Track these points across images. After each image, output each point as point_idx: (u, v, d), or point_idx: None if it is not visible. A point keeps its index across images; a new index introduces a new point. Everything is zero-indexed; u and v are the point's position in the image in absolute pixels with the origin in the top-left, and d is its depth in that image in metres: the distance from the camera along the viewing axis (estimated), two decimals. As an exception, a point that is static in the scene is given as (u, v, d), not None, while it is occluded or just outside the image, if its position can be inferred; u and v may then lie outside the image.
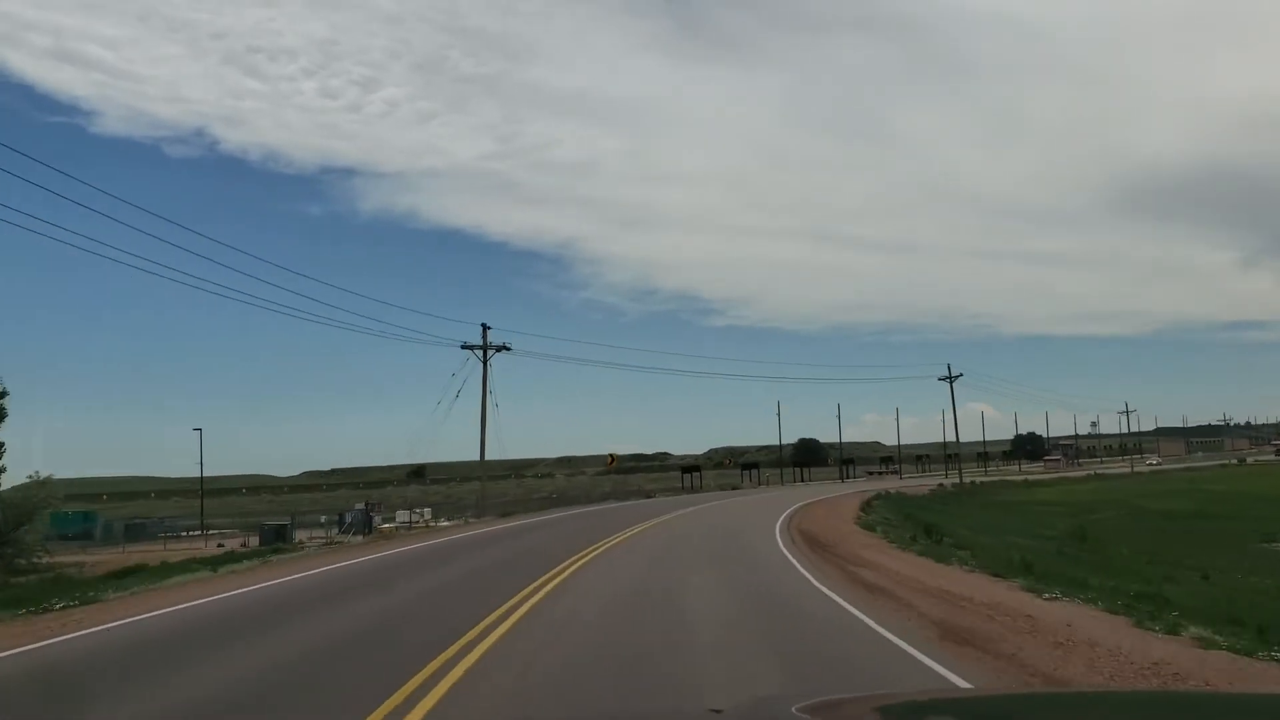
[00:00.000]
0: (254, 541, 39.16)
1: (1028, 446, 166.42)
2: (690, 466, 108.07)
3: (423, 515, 50.24)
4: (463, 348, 48.28)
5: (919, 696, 4.61)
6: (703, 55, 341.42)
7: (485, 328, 48.83)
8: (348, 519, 46.21)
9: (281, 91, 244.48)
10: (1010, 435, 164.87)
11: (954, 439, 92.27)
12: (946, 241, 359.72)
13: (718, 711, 3.02)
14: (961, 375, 76.99)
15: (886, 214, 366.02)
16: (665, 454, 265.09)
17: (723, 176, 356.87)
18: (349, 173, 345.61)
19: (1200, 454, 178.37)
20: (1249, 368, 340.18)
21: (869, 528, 29.47)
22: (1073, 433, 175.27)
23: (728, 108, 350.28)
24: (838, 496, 54.16)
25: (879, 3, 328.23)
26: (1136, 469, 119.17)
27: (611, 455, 57.88)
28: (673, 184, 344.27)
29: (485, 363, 48.32)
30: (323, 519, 47.21)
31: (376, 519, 48.23)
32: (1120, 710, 3.18)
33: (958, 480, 75.14)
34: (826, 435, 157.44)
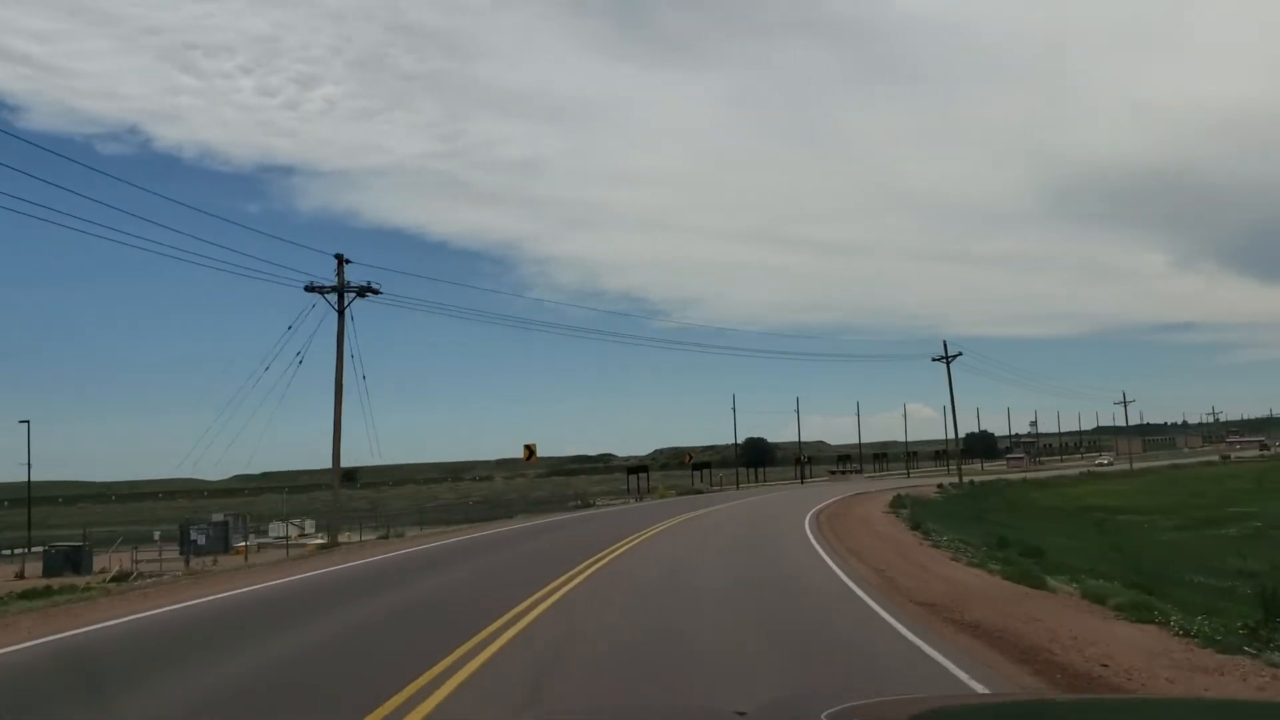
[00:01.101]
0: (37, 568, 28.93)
1: (980, 445, 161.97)
2: (637, 467, 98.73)
3: (301, 529, 40.06)
4: (307, 289, 32.64)
5: (946, 702, 4.54)
6: (650, 56, 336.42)
7: (341, 260, 32.74)
8: (194, 536, 36.00)
9: (218, 89, 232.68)
10: (946, 435, 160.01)
11: (952, 435, 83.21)
12: (889, 243, 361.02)
13: (742, 714, 2.99)
14: (960, 354, 66.15)
15: (831, 216, 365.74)
16: (609, 455, 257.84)
17: (671, 177, 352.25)
18: (288, 171, 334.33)
19: (1160, 451, 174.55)
20: (1182, 368, 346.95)
21: (942, 549, 21.44)
22: (1008, 432, 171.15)
23: (675, 108, 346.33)
24: (840, 501, 44.56)
25: (822, 6, 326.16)
26: (1095, 467, 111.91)
27: (529, 448, 44.33)
28: (620, 184, 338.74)
29: (341, 311, 32.70)
30: (156, 535, 36.67)
31: (241, 536, 38.06)
32: (1146, 717, 3.10)
33: (957, 480, 64.69)
34: (772, 435, 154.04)
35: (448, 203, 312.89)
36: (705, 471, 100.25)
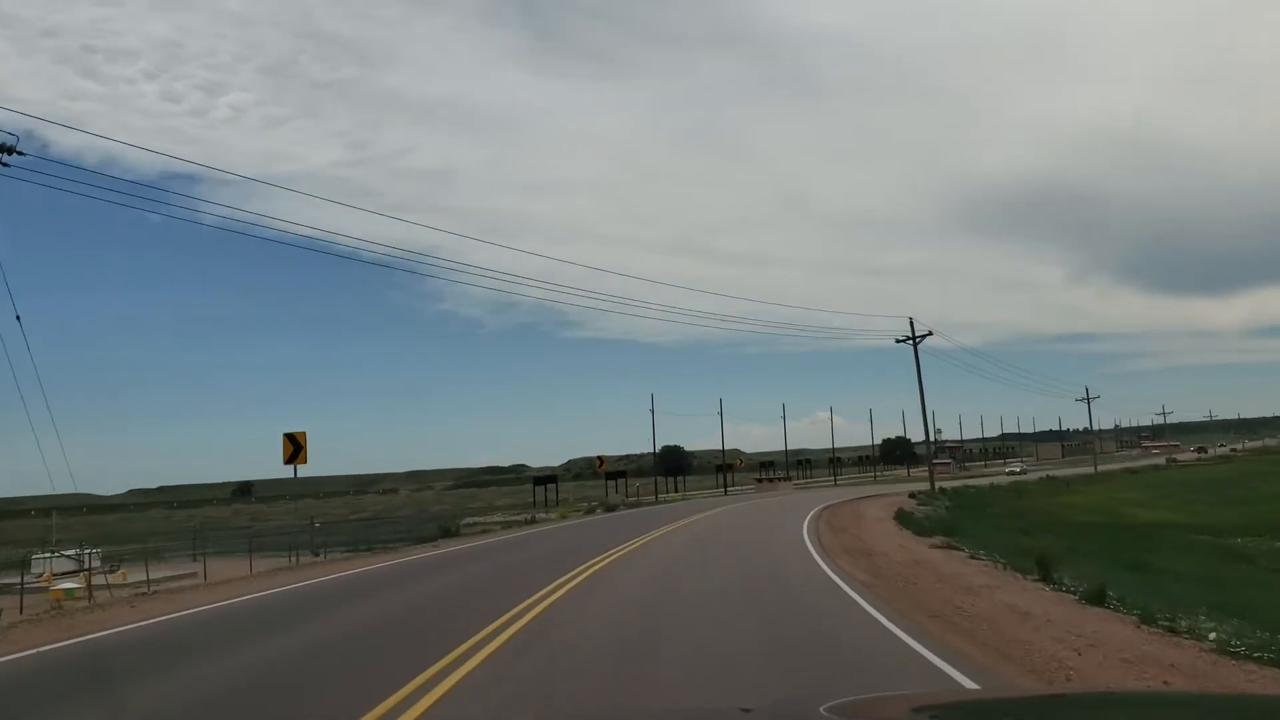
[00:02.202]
0: None
1: (896, 451, 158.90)
2: (544, 477, 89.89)
3: (85, 563, 30.16)
4: None
5: (943, 698, 4.56)
6: (565, 67, 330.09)
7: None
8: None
9: (121, 94, 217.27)
10: (855, 442, 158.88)
11: (928, 437, 75.78)
12: (800, 254, 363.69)
13: (747, 710, 2.95)
14: (930, 334, 51.94)
15: (744, 227, 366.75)
16: (522, 465, 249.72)
17: (585, 188, 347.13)
18: (193, 179, 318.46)
19: (1079, 457, 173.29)
20: (1080, 376, 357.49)
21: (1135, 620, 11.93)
22: (925, 438, 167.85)
23: (590, 119, 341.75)
24: (817, 515, 35.66)
25: (736, 21, 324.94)
26: (1010, 472, 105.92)
27: (292, 439, 32.88)
28: (535, 194, 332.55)
29: None
30: None
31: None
32: (1147, 710, 3.12)
33: (930, 487, 53.44)
34: (688, 444, 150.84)
35: (359, 212, 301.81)
36: (620, 481, 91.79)
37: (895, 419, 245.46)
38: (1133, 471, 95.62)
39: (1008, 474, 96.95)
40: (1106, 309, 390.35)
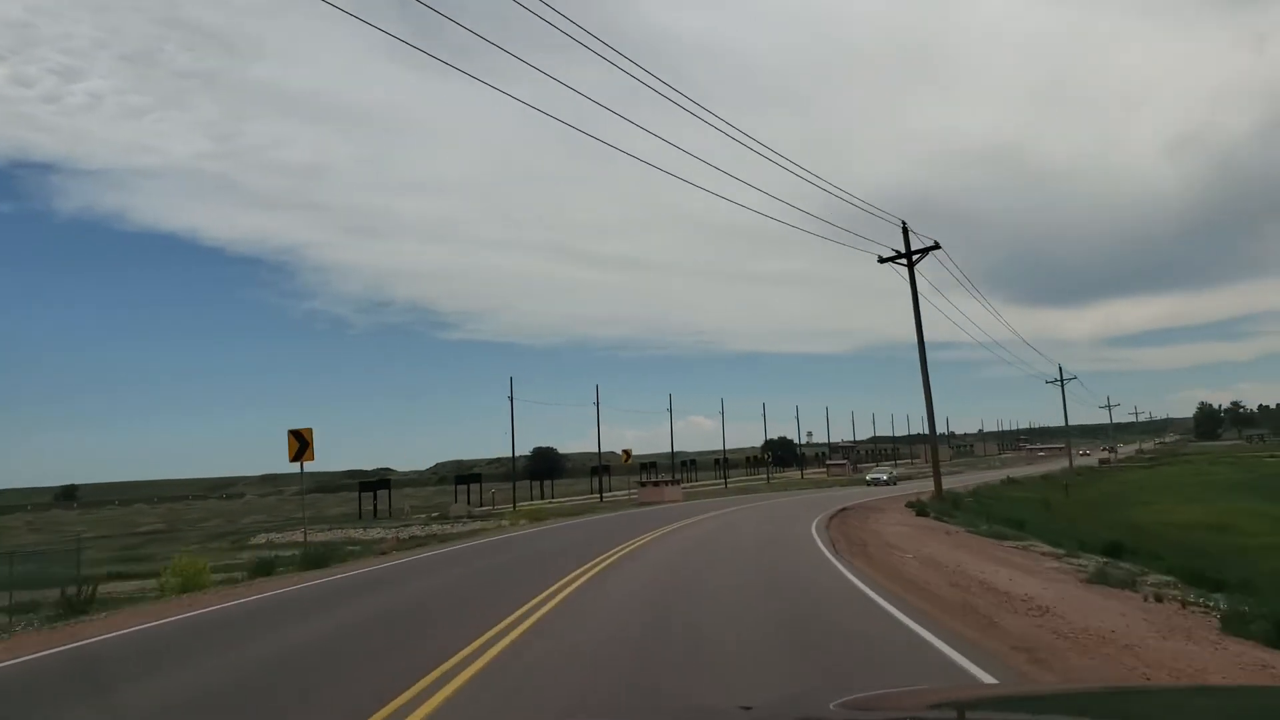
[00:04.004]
0: None
1: (778, 452, 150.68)
2: (375, 482, 72.92)
3: None
4: None
5: (956, 694, 4.12)
6: (441, 65, 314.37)
7: None
8: None
9: None
10: (730, 444, 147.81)
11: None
12: (677, 260, 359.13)
13: (748, 708, 2.82)
14: (937, 246, 37.64)
15: (622, 231, 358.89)
16: (387, 469, 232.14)
17: (462, 187, 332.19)
18: (46, 168, 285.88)
19: (963, 460, 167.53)
20: (946, 383, 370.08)
21: None
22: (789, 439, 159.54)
23: (467, 119, 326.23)
24: (813, 528, 21.15)
25: (612, 27, 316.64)
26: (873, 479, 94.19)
27: None
28: (410, 192, 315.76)
29: None
30: None
31: None
32: (1166, 703, 2.99)
33: (936, 489, 37.83)
34: (563, 446, 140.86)
35: (224, 206, 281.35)
36: (477, 486, 75.39)
37: (767, 421, 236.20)
38: (1079, 472, 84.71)
39: (869, 481, 76.80)
40: (964, 318, 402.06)
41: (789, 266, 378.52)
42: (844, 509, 32.50)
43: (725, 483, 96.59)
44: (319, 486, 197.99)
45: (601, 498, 70.39)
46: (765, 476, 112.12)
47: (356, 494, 73.28)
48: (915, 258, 30.26)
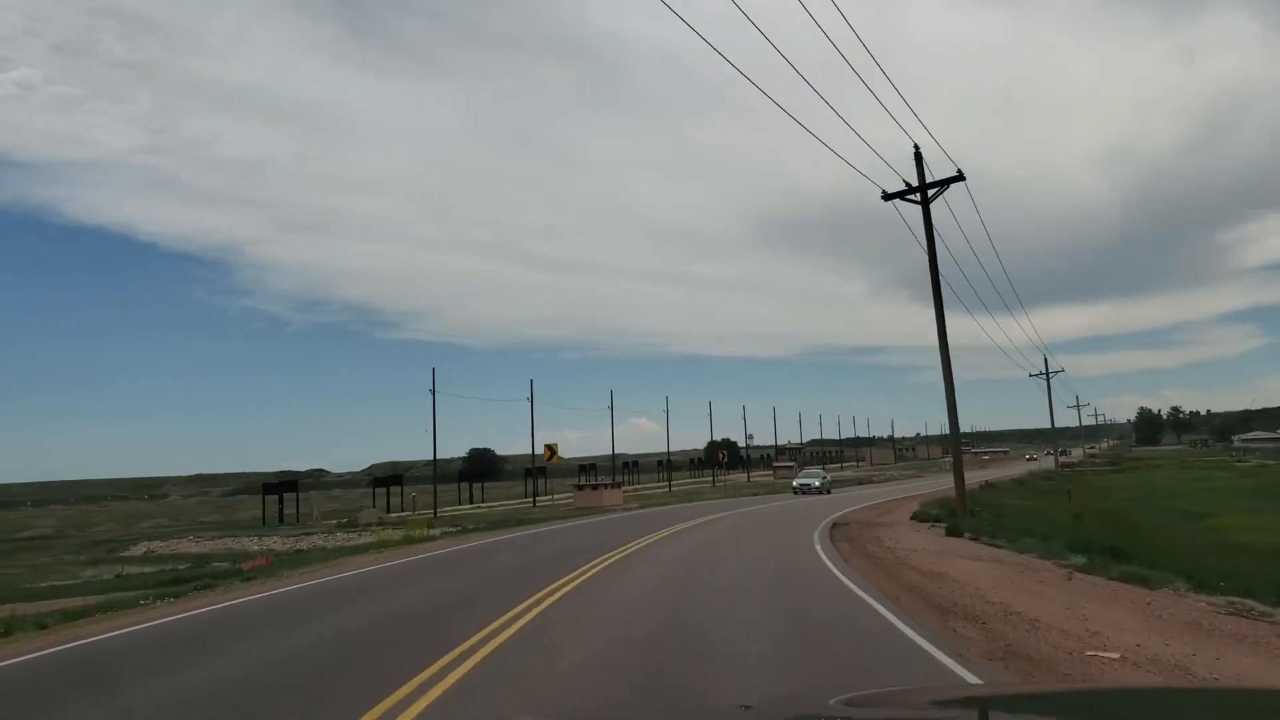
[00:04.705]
0: None
1: (724, 453, 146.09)
2: (280, 484, 65.21)
3: None
4: None
5: (957, 693, 4.41)
6: (383, 62, 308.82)
7: None
8: None
9: None
10: (671, 447, 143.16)
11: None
12: (620, 263, 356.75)
13: (747, 707, 2.79)
14: (961, 177, 34.95)
15: (566, 233, 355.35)
16: (321, 470, 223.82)
17: (405, 186, 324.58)
18: None
19: (910, 464, 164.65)
20: (875, 385, 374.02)
21: None
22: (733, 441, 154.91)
23: (410, 117, 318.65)
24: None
25: (557, 27, 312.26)
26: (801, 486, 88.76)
27: None
28: (352, 191, 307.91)
29: None
30: None
31: None
32: (1164, 704, 2.99)
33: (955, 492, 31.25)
34: (501, 448, 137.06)
35: (159, 201, 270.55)
36: (399, 489, 68.17)
37: (713, 422, 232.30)
38: (1076, 477, 79.36)
39: (796, 488, 65.32)
40: (903, 323, 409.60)
41: (730, 270, 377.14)
42: (840, 523, 26.44)
43: (669, 485, 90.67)
44: (245, 488, 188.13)
45: (535, 502, 63.75)
46: (711, 479, 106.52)
47: (262, 497, 65.41)
48: (931, 192, 24.31)
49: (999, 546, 17.19)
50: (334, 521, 53.84)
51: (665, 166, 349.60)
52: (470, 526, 36.52)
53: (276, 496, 61.39)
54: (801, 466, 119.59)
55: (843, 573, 14.53)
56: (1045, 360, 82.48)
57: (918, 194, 24.76)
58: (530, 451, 73.53)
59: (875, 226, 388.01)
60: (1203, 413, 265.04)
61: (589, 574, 15.45)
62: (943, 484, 64.82)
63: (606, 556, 18.58)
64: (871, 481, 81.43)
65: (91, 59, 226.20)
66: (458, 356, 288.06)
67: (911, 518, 25.73)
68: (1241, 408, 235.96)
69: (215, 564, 27.11)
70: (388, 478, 69.71)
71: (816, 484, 58.24)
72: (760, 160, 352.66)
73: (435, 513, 52.87)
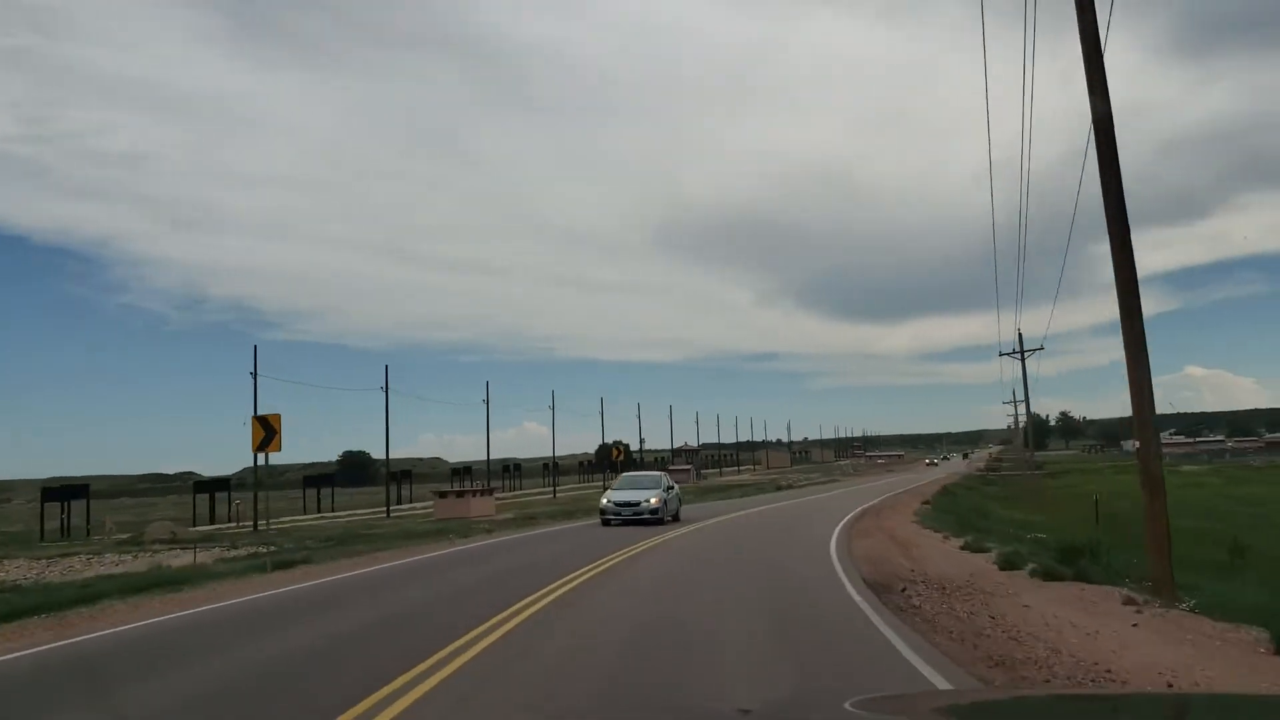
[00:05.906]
0: None
1: (613, 457, 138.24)
2: (69, 489, 52.80)
3: None
4: None
5: (971, 697, 4.30)
6: (271, 55, 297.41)
7: None
8: None
9: None
10: (560, 451, 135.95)
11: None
12: (520, 265, 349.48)
13: (746, 712, 2.75)
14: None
15: (464, 233, 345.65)
16: (190, 473, 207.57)
17: (295, 183, 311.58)
18: None
19: (803, 464, 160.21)
20: (769, 391, 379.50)
21: None
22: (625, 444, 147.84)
23: (299, 111, 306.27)
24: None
25: (458, 26, 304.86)
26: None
27: None
28: (236, 186, 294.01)
29: None
30: None
31: None
32: (1175, 710, 2.98)
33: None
34: (382, 451, 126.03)
35: (31, 192, 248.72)
36: (224, 495, 56.50)
37: (604, 424, 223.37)
38: (1020, 481, 72.24)
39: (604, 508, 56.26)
40: (790, 331, 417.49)
41: (626, 276, 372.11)
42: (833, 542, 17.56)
43: (554, 492, 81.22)
44: (119, 491, 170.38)
45: (389, 513, 53.18)
46: (602, 483, 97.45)
47: (149, 500, 52.58)
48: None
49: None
50: (124, 536, 42.39)
51: (568, 170, 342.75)
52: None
53: (62, 504, 49.05)
54: (699, 470, 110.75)
55: None
56: (1020, 338, 76.45)
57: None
58: (385, 452, 62.48)
59: (770, 235, 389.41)
60: (1082, 419, 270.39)
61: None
62: (878, 486, 57.28)
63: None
64: (779, 488, 73.60)
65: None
66: (344, 358, 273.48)
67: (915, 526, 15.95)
68: (1116, 415, 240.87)
69: None
70: (210, 482, 57.82)
71: (650, 502, 30.43)
72: (659, 168, 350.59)
73: (255, 525, 42.05)
